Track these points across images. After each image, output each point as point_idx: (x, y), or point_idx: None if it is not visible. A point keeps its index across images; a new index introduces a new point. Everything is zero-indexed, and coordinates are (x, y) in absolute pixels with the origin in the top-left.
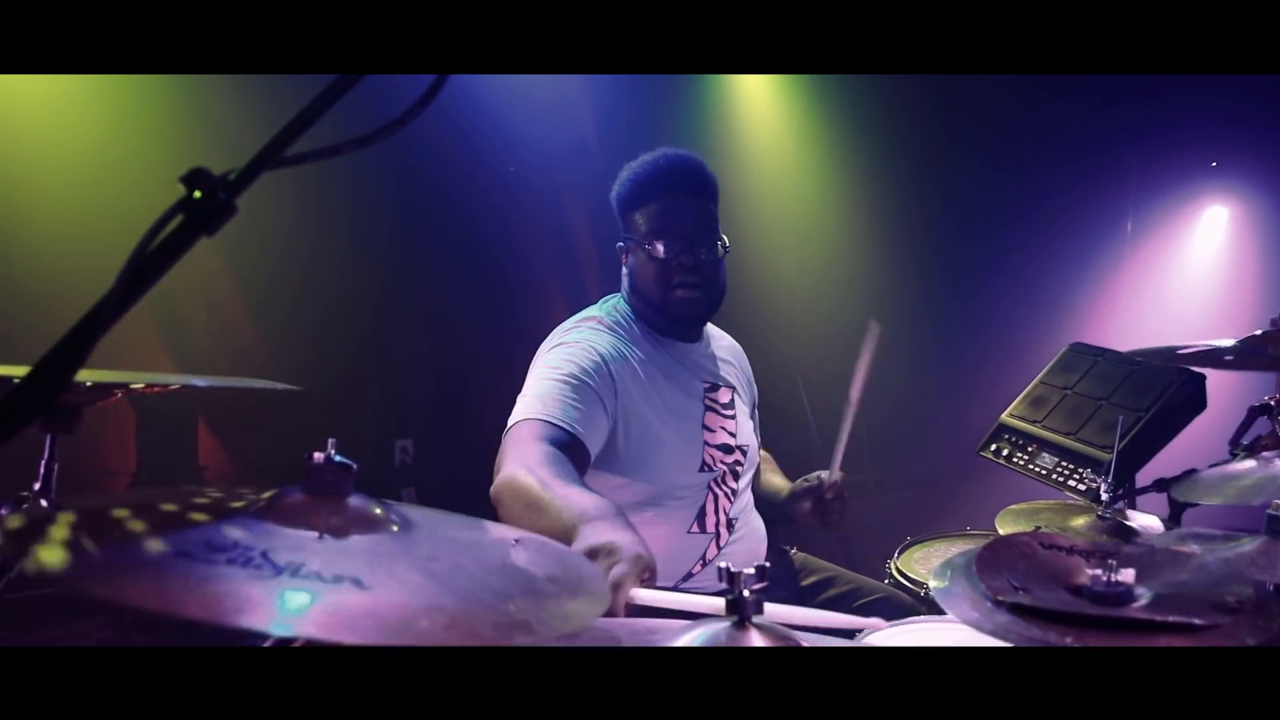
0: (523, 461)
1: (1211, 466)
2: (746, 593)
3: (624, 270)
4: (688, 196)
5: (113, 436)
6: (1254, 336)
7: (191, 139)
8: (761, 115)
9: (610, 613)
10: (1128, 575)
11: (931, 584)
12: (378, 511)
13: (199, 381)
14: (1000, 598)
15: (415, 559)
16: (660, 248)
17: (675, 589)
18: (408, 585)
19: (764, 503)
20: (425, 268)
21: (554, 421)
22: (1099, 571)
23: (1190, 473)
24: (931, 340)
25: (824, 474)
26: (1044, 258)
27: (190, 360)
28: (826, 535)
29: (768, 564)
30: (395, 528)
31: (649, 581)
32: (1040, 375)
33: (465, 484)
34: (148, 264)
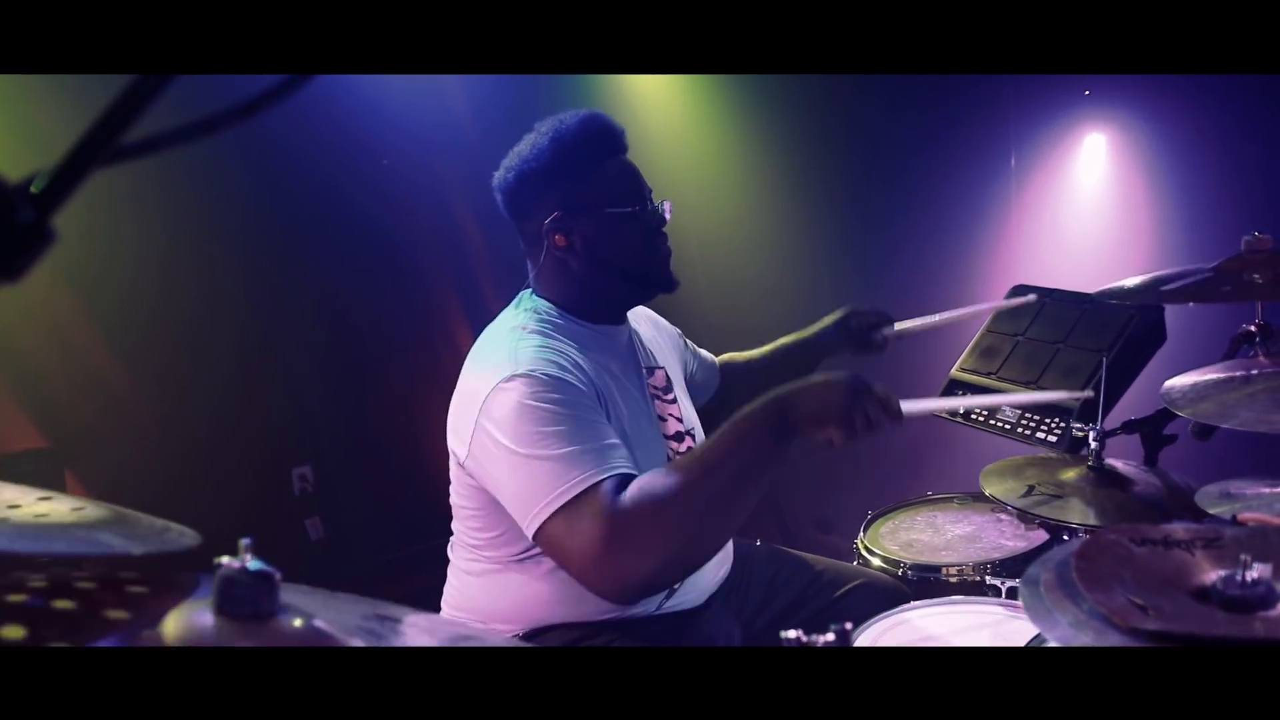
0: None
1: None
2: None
3: (556, 254)
4: (627, 154)
5: None
6: (1231, 260)
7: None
8: (647, 75)
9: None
10: (1264, 570)
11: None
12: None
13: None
14: (1133, 625)
15: None
16: (640, 208)
17: (658, 612)
18: None
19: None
20: (304, 276)
21: (623, 472)
22: (1229, 571)
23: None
24: (851, 281)
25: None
26: (943, 195)
27: (45, 406)
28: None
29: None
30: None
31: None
32: (985, 323)
33: (374, 506)
34: None
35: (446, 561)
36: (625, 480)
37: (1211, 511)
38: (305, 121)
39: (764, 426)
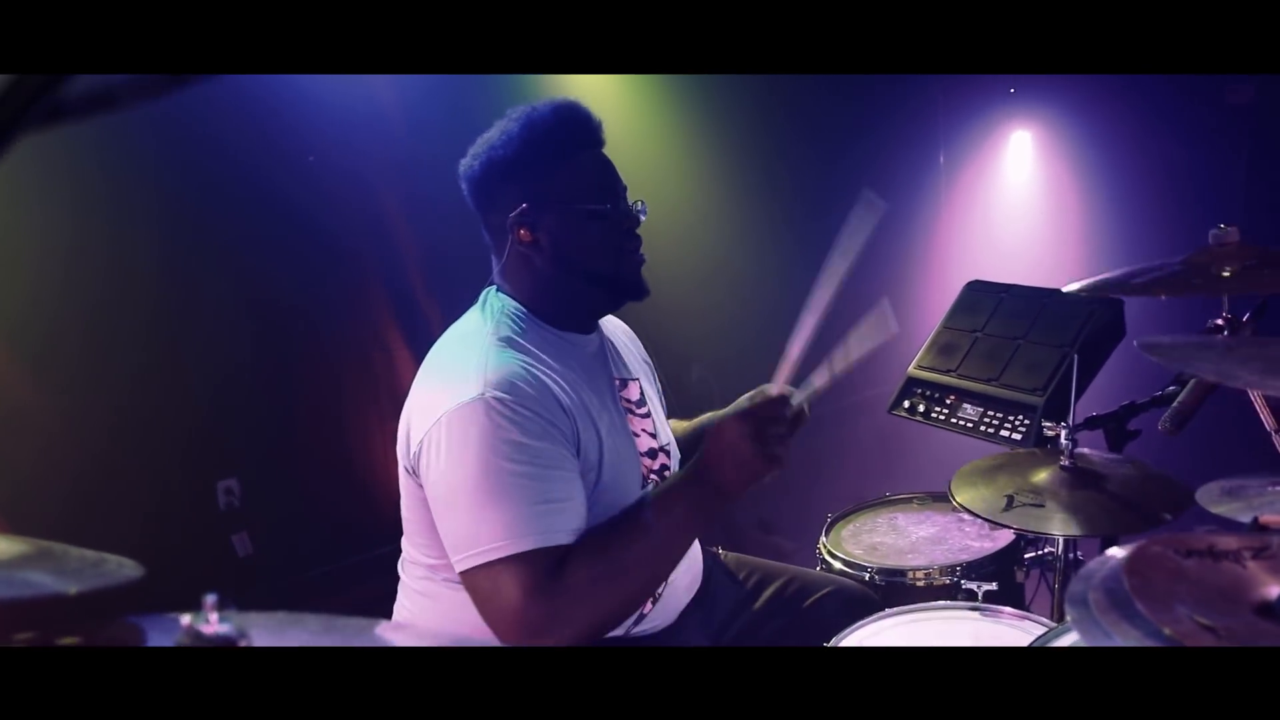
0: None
1: None
2: None
3: (521, 250)
4: (603, 148)
5: None
6: (1198, 253)
7: None
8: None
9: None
10: None
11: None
12: None
13: None
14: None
15: None
16: (613, 206)
17: (625, 636)
18: None
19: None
20: (226, 275)
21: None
22: None
23: None
24: (792, 265)
25: (767, 387)
26: (877, 187)
27: None
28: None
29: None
30: None
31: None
32: (942, 321)
33: (306, 518)
34: None
35: (387, 571)
36: (563, 552)
37: (1216, 511)
38: (226, 108)
39: (697, 512)
